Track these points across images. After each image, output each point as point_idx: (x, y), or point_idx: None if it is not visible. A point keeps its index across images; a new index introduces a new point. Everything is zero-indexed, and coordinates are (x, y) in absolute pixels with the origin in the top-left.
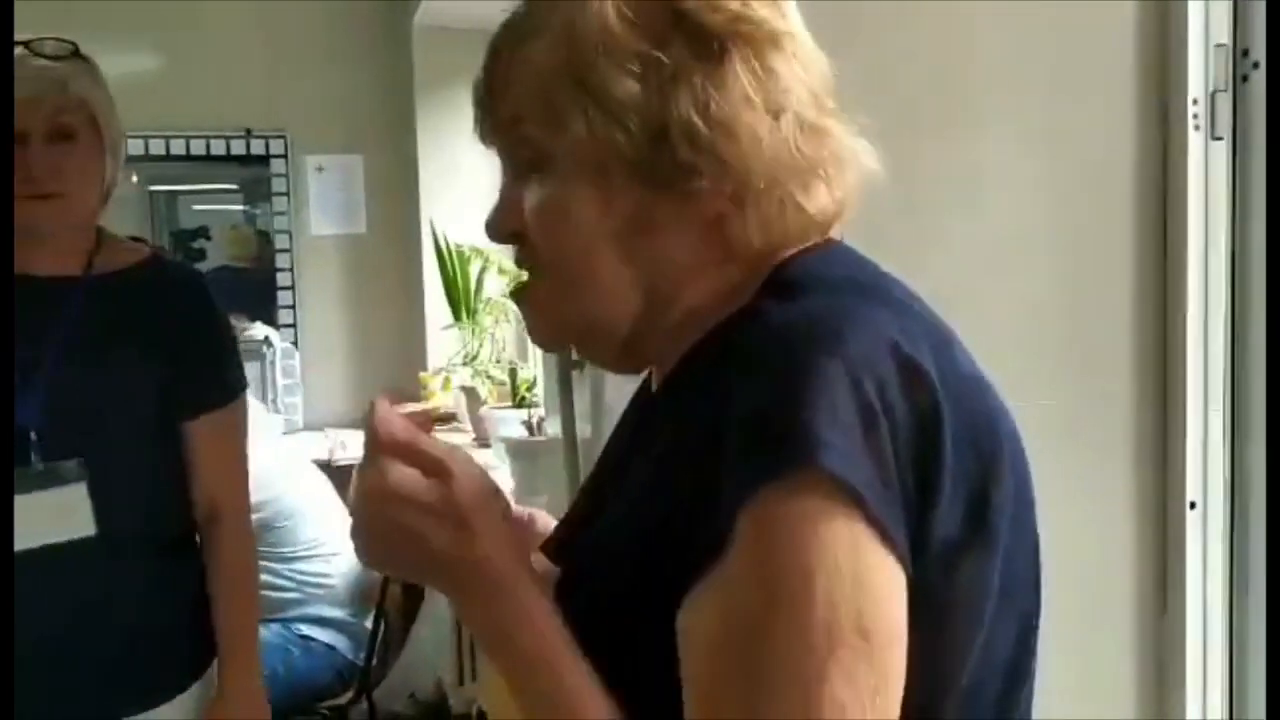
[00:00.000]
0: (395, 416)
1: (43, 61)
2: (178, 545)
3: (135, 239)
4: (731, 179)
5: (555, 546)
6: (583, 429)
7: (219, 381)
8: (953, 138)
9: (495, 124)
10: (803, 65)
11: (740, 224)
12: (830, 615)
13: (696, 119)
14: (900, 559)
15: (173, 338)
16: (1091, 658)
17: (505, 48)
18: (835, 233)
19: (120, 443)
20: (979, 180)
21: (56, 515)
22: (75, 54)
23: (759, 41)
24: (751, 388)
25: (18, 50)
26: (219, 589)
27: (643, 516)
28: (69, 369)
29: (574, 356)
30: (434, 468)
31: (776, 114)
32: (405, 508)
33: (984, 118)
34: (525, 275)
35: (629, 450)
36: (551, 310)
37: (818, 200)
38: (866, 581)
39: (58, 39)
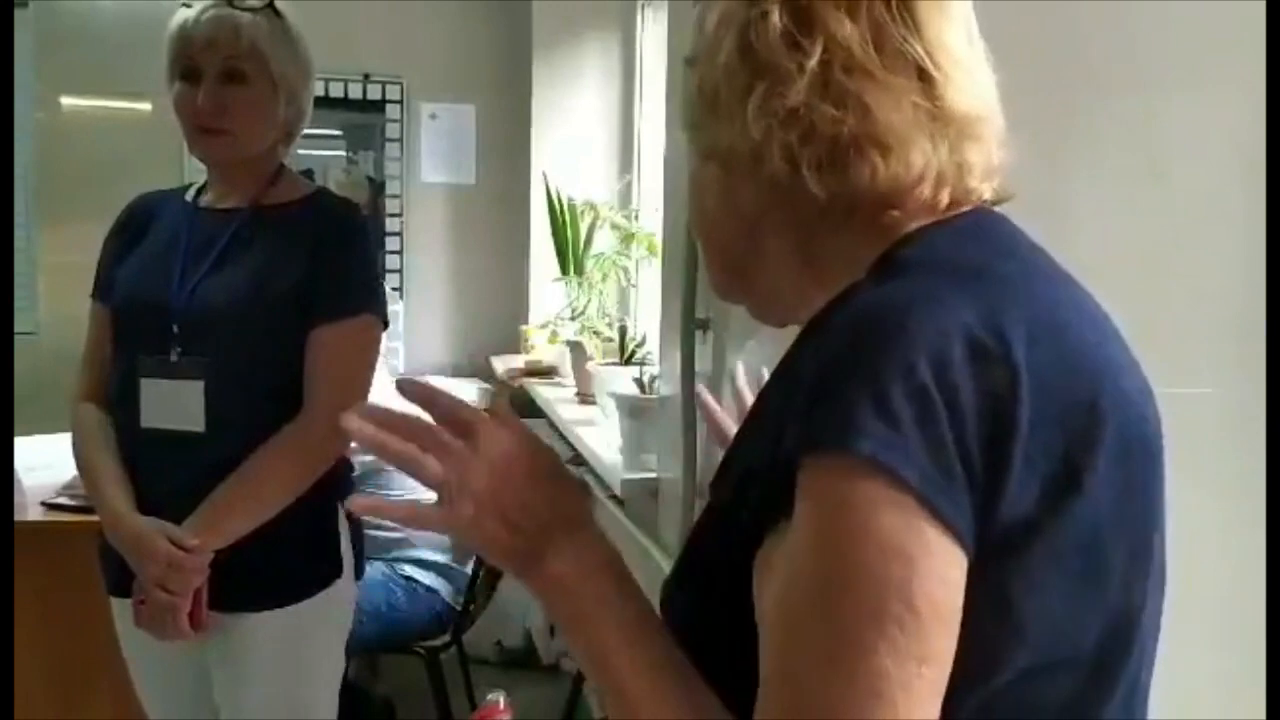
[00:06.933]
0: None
1: (226, 11)
2: None
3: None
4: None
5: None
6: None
7: (348, 294)
8: (1140, 99)
9: None
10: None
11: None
12: (877, 589)
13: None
14: (958, 538)
15: (311, 253)
16: (1247, 659)
17: None
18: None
19: (247, 347)
20: (1166, 147)
21: (175, 405)
22: (267, 7)
23: None
24: (818, 367)
25: None
26: (253, 458)
27: (729, 472)
28: (213, 277)
29: (698, 316)
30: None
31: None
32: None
33: (1177, 79)
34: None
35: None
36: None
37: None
38: (915, 560)
39: None
